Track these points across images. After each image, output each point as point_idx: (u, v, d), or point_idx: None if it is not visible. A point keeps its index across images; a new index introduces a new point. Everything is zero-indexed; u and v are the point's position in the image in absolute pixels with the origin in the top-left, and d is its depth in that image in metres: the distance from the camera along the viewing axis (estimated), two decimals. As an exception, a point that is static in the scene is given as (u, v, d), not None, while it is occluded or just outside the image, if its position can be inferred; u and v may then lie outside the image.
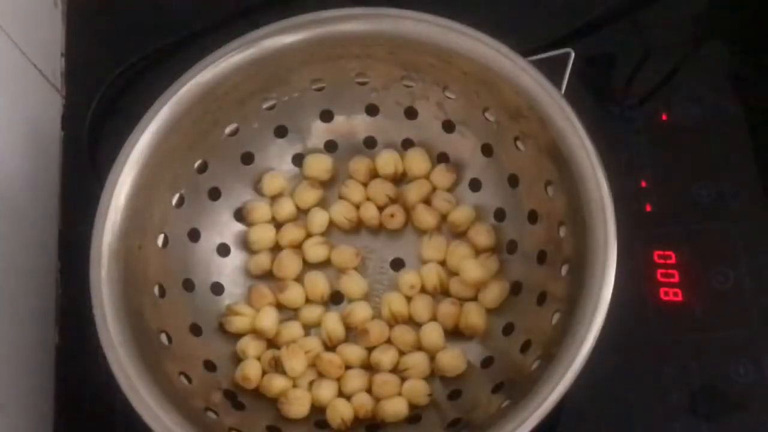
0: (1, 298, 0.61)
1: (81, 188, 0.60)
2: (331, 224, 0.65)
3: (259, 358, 0.61)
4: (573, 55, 0.58)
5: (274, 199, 0.65)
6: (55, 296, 0.68)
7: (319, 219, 0.64)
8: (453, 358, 0.59)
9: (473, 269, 0.61)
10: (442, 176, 0.64)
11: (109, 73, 0.71)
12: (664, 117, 0.67)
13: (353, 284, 0.63)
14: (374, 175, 0.65)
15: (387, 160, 0.64)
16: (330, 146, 0.66)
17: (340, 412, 0.58)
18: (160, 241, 0.60)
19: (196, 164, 0.62)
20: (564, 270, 0.57)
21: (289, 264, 0.63)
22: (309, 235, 0.64)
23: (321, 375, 0.60)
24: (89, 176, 0.67)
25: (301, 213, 0.65)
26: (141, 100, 0.59)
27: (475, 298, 0.61)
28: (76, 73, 0.74)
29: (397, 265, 0.64)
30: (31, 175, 0.67)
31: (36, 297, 0.66)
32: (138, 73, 0.72)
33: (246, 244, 0.64)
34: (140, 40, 0.73)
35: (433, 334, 0.60)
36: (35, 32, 0.70)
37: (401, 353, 0.61)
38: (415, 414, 0.59)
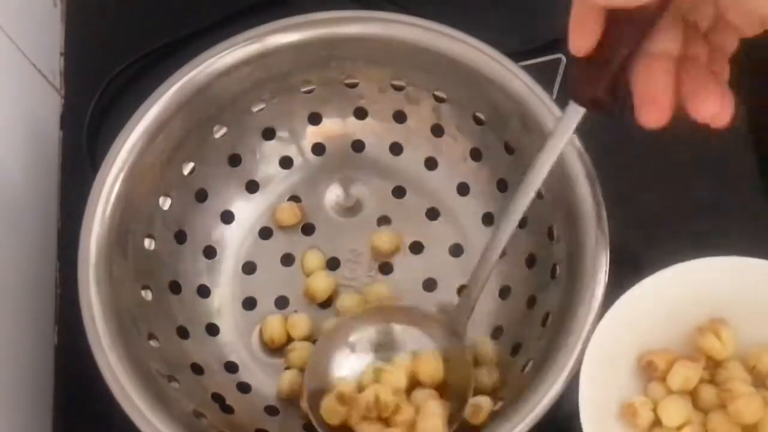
0: (0, 298, 0.61)
1: (80, 188, 0.60)
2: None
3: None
4: (564, 60, 0.58)
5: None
6: (54, 296, 0.68)
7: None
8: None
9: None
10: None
11: (108, 72, 0.71)
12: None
13: None
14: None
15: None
16: (318, 149, 0.65)
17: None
18: (146, 242, 0.60)
19: (184, 165, 0.62)
20: (554, 273, 0.57)
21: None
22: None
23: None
24: (88, 176, 0.66)
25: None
26: (140, 100, 0.59)
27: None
28: (75, 73, 0.73)
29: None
30: (29, 175, 0.67)
31: (35, 297, 0.66)
32: (137, 73, 0.72)
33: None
34: (140, 40, 0.72)
35: None
36: (35, 32, 0.70)
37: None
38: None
